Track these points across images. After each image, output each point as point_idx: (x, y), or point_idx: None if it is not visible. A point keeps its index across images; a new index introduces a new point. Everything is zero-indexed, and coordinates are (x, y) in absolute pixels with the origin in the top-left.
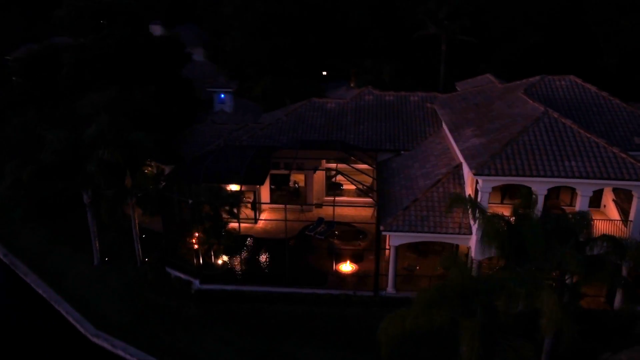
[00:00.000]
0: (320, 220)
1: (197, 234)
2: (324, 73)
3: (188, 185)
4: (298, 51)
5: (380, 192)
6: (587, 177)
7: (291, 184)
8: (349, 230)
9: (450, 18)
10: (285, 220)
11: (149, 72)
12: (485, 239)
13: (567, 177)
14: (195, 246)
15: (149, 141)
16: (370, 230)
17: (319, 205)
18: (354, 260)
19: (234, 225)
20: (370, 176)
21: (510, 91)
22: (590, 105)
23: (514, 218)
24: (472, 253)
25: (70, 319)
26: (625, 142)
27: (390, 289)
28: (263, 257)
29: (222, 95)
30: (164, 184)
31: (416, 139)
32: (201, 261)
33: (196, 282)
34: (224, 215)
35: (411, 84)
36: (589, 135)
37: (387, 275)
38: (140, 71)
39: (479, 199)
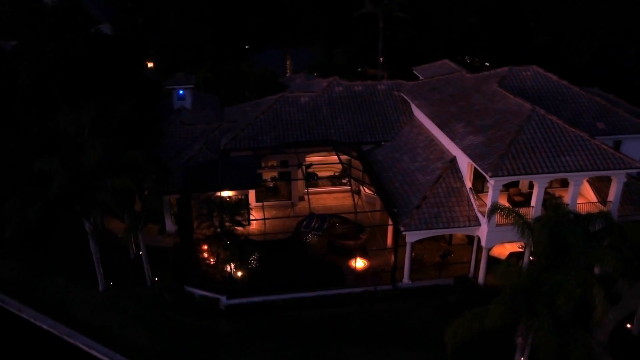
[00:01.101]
0: (312, 215)
1: (219, 250)
2: (247, 47)
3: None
4: (239, 35)
5: (377, 187)
6: (581, 170)
7: (269, 180)
8: (347, 225)
9: None
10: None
11: (118, 80)
12: (536, 244)
13: (565, 171)
14: (211, 261)
15: (146, 157)
16: (364, 222)
17: (302, 198)
18: (362, 255)
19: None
20: (344, 164)
21: (483, 82)
22: (555, 94)
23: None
24: (483, 242)
25: (96, 353)
26: (590, 128)
27: (406, 279)
28: (276, 262)
29: (181, 92)
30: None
31: (393, 129)
32: (226, 276)
33: (223, 299)
34: (230, 224)
35: (358, 64)
36: (573, 130)
37: (397, 268)
38: (109, 80)
39: (489, 196)
